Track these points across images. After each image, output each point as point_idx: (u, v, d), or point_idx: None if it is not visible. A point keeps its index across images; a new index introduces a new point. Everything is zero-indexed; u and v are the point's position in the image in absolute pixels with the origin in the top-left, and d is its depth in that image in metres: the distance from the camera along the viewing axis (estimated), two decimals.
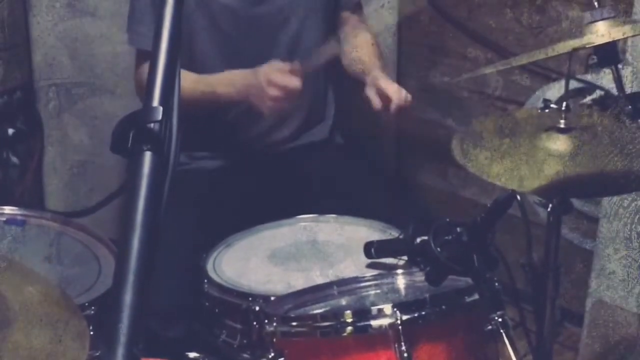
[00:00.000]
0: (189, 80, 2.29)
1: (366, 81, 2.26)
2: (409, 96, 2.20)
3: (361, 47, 2.45)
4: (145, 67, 2.23)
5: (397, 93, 2.18)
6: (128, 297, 1.06)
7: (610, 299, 2.45)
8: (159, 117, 1.11)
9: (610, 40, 1.69)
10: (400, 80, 3.07)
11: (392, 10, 2.97)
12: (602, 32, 1.70)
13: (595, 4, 1.73)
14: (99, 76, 2.87)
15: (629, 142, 1.80)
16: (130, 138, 1.10)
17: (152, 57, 1.15)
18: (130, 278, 1.07)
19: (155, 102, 1.13)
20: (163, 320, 2.07)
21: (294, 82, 2.19)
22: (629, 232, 2.38)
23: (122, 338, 1.04)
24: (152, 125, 1.11)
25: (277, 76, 2.19)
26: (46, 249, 2.07)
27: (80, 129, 2.90)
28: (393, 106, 2.18)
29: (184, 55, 2.24)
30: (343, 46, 2.42)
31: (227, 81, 2.30)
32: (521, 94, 2.88)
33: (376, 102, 2.20)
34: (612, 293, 2.45)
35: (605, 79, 2.55)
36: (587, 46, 1.73)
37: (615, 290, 2.44)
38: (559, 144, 1.82)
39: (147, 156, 1.10)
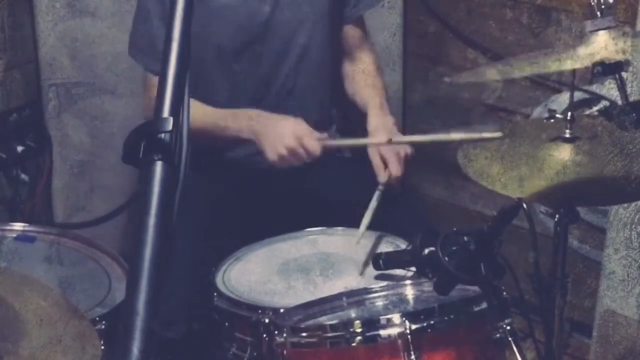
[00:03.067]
0: (202, 113, 2.33)
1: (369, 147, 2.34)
2: (411, 151, 2.34)
3: (360, 69, 2.54)
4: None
5: (396, 168, 2.29)
6: (141, 306, 1.07)
7: (611, 299, 2.46)
8: (170, 127, 1.13)
9: (614, 54, 1.70)
10: (405, 88, 3.10)
11: (392, 10, 2.97)
12: (603, 43, 1.72)
13: (598, 13, 1.74)
14: (99, 76, 2.87)
15: (628, 142, 1.82)
16: (142, 148, 1.12)
17: (162, 69, 1.17)
18: (143, 286, 1.09)
19: (166, 113, 1.14)
20: (163, 321, 2.07)
21: (316, 149, 2.22)
22: (628, 232, 2.39)
23: (135, 347, 1.05)
24: (163, 135, 1.12)
25: (305, 135, 2.22)
26: (56, 264, 2.09)
27: (80, 129, 2.89)
28: (393, 179, 2.30)
29: (197, 73, 2.29)
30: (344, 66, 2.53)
31: (244, 117, 2.32)
32: (525, 104, 2.89)
33: (378, 166, 2.31)
34: (612, 293, 2.46)
35: (610, 88, 2.57)
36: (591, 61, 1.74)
37: (615, 291, 2.45)
38: (562, 151, 1.84)
39: (159, 166, 1.11)
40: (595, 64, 1.71)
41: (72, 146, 2.90)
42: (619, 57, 1.72)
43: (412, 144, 2.38)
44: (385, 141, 2.30)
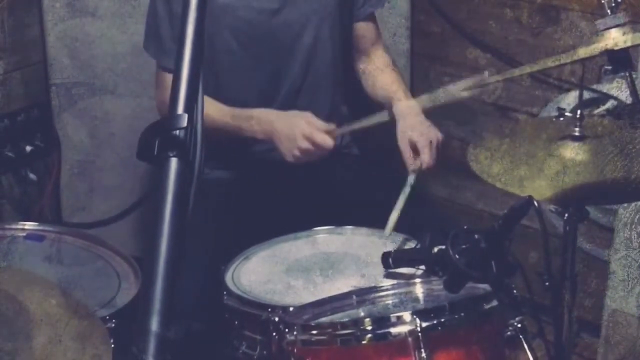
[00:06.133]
0: (218, 112, 2.35)
1: (398, 127, 2.31)
2: (441, 137, 2.30)
3: (373, 62, 2.55)
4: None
5: (428, 158, 2.25)
6: (157, 300, 1.08)
7: (611, 299, 2.46)
8: (185, 124, 1.13)
9: (625, 46, 1.71)
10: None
11: (392, 10, 2.97)
12: (613, 39, 1.72)
13: (608, 11, 1.74)
14: (99, 76, 2.87)
15: (628, 142, 1.83)
16: (157, 145, 1.12)
17: (176, 66, 1.17)
18: (159, 281, 1.09)
19: (180, 110, 1.15)
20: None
21: (328, 143, 2.24)
22: (629, 232, 2.40)
23: (152, 342, 1.05)
24: (177, 132, 1.12)
25: (314, 132, 2.24)
26: (65, 263, 2.08)
27: (80, 129, 2.89)
28: (423, 167, 2.26)
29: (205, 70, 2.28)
30: (356, 62, 2.53)
31: (258, 120, 2.33)
32: (527, 103, 2.90)
33: (408, 157, 2.27)
34: (612, 293, 2.46)
35: (611, 88, 2.57)
36: (597, 52, 1.75)
37: (615, 291, 2.45)
38: (562, 150, 1.85)
39: (174, 162, 1.12)
40: (603, 53, 1.71)
41: (72, 146, 2.90)
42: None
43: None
44: (387, 118, 2.31)
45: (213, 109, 2.35)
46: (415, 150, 2.27)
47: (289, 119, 2.29)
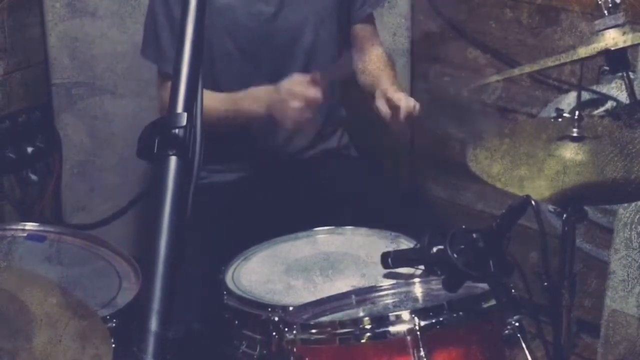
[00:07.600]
0: (213, 99, 2.34)
1: (375, 93, 2.31)
2: (418, 104, 2.25)
3: (372, 61, 2.53)
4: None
5: (404, 101, 2.23)
6: (156, 300, 1.08)
7: (611, 299, 2.46)
8: (184, 123, 1.14)
9: (622, 46, 1.71)
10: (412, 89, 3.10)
11: (392, 10, 2.98)
12: (612, 39, 1.73)
13: (605, 12, 1.75)
14: (99, 76, 2.87)
15: (628, 142, 1.83)
16: (156, 144, 1.13)
17: (175, 65, 1.18)
18: (159, 280, 1.09)
19: (180, 109, 1.16)
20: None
21: (314, 92, 2.24)
22: (629, 233, 2.40)
23: (152, 342, 1.06)
24: (177, 131, 1.13)
25: (298, 87, 2.25)
26: (66, 263, 2.09)
27: (80, 129, 2.89)
28: (402, 114, 2.22)
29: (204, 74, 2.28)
30: (355, 60, 2.50)
31: (251, 97, 2.35)
32: (526, 103, 2.90)
33: (385, 112, 2.25)
34: (612, 293, 2.46)
35: (610, 88, 2.58)
36: (595, 52, 1.75)
37: (615, 291, 2.45)
38: (562, 151, 1.86)
39: (173, 161, 1.13)
40: (602, 53, 1.71)
41: (72, 146, 2.91)
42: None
43: None
44: None
45: (215, 101, 2.36)
46: (394, 106, 2.24)
47: (276, 86, 2.30)
